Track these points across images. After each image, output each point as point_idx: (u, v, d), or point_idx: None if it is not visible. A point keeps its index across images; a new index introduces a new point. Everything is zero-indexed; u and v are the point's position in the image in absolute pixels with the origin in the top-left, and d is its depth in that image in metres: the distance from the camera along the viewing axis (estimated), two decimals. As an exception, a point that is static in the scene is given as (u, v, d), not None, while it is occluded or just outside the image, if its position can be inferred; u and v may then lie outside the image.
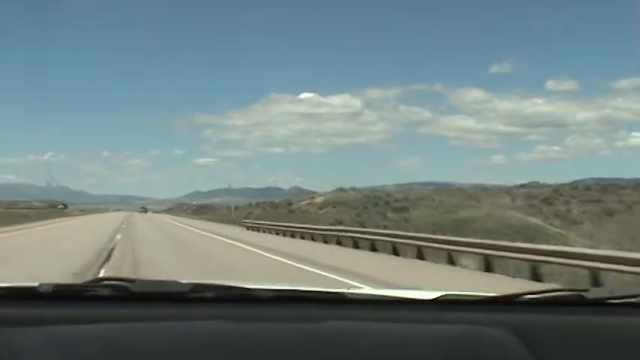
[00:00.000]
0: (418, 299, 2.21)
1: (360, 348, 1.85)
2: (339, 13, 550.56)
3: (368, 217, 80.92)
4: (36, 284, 2.01)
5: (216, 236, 38.36)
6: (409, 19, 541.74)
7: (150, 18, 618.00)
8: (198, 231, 46.53)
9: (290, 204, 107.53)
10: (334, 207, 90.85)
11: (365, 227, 39.27)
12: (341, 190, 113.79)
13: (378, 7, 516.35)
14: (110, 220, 68.91)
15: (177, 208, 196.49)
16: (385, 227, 48.80)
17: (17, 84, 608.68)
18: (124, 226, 49.21)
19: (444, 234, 27.65)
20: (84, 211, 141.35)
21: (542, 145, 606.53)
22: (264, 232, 43.10)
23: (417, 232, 30.90)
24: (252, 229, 46.01)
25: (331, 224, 48.42)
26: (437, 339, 1.93)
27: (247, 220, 53.57)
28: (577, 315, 2.14)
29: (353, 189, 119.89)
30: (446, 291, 2.26)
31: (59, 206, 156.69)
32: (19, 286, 2.09)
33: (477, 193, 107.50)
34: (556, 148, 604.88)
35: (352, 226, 38.87)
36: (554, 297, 2.23)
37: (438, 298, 2.19)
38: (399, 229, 40.05)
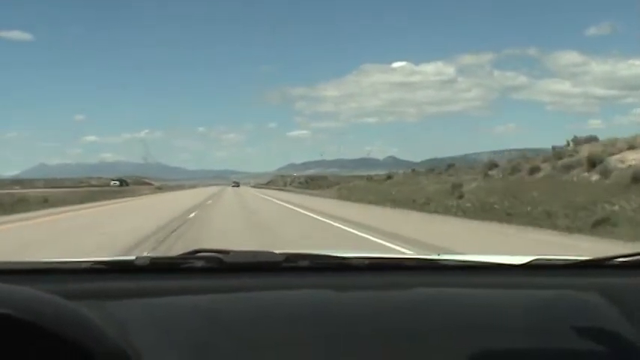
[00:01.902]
0: (508, 264, 2.17)
1: (452, 314, 1.86)
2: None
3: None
4: (132, 258, 2.05)
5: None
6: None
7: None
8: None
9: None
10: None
11: None
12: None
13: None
14: (181, 202, 43.52)
15: (279, 181, 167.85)
16: None
17: (109, 64, 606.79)
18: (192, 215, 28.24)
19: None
20: (161, 189, 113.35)
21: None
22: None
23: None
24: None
25: None
26: (529, 304, 1.93)
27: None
28: None
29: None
30: (536, 255, 2.23)
31: (112, 183, 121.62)
32: (117, 259, 2.13)
33: None
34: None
35: None
36: None
37: (528, 262, 2.17)
38: None
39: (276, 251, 2.14)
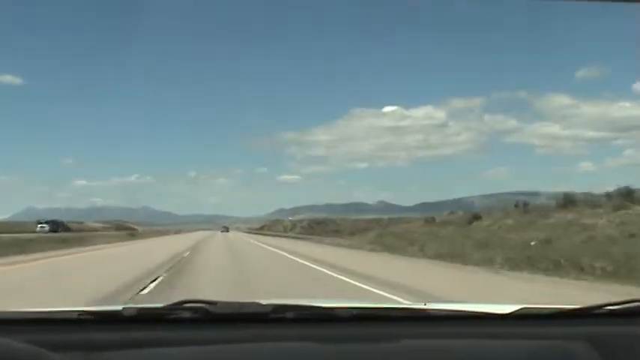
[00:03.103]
0: (496, 313, 2.15)
1: None
2: (419, 27, 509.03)
3: None
4: (119, 308, 2.03)
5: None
6: (489, 28, 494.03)
7: (231, 40, 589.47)
8: None
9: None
10: None
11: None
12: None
13: (457, 18, 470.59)
14: (142, 261, 26.81)
15: (277, 225, 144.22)
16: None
17: (99, 109, 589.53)
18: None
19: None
20: (134, 235, 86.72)
21: (631, 150, 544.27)
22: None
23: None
24: None
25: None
26: (515, 355, 1.92)
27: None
28: None
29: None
30: (522, 304, 2.21)
31: (38, 227, 73.92)
32: (104, 310, 2.11)
33: None
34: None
35: None
36: (635, 307, 2.10)
37: (515, 311, 2.15)
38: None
39: (263, 302, 2.12)
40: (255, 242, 57.10)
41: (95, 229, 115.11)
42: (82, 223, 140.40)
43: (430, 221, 46.73)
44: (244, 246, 48.02)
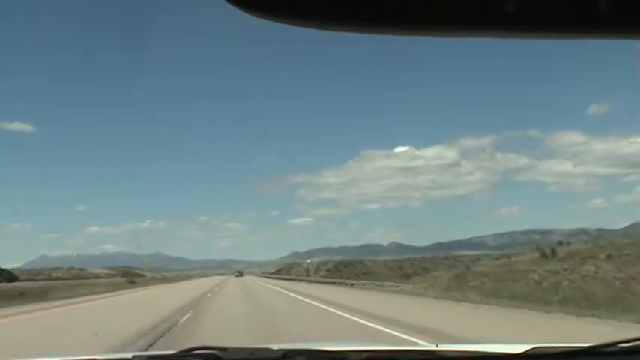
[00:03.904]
0: (508, 353, 2.10)
1: None
2: (429, 66, 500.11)
3: None
4: (129, 355, 2.02)
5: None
6: (499, 66, 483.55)
7: (242, 82, 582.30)
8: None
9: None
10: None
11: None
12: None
13: (468, 57, 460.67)
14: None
15: (296, 268, 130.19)
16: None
17: (111, 155, 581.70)
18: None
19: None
20: (134, 282, 72.58)
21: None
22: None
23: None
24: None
25: None
26: None
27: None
28: None
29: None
30: (535, 344, 2.14)
31: None
32: (113, 357, 2.07)
33: None
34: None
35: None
36: None
37: (527, 351, 2.09)
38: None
39: (274, 346, 2.08)
40: (281, 290, 43.47)
41: (98, 276, 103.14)
42: (83, 269, 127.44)
43: (548, 255, 32.62)
44: (269, 296, 35.12)
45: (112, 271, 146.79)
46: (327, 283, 58.61)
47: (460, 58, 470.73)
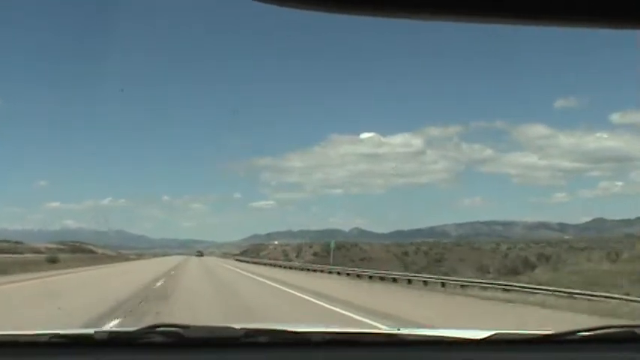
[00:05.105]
0: (468, 339, 2.08)
1: None
2: (396, 55, 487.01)
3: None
4: (91, 331, 1.95)
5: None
6: (467, 57, 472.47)
7: (207, 64, 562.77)
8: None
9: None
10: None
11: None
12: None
13: (436, 46, 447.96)
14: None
15: (261, 250, 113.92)
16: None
17: (74, 131, 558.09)
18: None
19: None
20: (55, 261, 53.91)
21: (606, 182, 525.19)
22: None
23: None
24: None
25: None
26: None
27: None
28: (631, 352, 2.00)
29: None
30: (496, 330, 2.14)
31: None
32: (75, 333, 2.02)
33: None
34: (619, 183, 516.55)
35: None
36: (608, 334, 2.07)
37: (488, 337, 2.08)
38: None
39: (236, 326, 2.05)
40: (275, 285, 27.31)
41: (38, 251, 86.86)
42: (20, 243, 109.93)
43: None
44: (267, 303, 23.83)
45: (61, 246, 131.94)
46: (324, 272, 42.62)
47: (430, 47, 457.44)
